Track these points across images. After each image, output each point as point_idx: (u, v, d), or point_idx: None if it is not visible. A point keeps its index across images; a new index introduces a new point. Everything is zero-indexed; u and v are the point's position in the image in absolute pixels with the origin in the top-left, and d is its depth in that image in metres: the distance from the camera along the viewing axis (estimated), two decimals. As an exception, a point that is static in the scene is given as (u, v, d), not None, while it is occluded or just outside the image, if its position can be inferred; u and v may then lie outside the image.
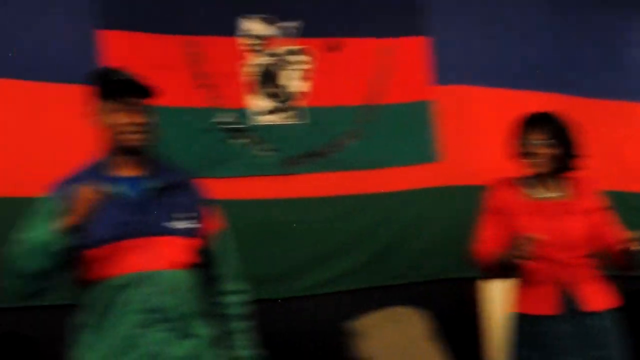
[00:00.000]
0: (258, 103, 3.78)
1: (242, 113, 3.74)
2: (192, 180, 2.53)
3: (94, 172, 2.40)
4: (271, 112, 3.80)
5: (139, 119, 2.37)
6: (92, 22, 3.49)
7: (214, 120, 3.70)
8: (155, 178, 2.42)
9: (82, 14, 3.48)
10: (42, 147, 3.36)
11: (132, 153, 2.39)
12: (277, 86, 3.82)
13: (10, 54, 3.31)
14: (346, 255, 3.82)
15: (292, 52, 3.86)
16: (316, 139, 3.82)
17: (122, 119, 2.35)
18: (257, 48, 3.80)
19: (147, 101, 2.40)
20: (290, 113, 3.82)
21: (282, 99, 3.82)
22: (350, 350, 3.59)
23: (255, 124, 3.76)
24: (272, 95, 3.81)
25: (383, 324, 3.60)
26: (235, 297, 2.51)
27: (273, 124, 3.78)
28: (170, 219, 2.39)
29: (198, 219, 2.45)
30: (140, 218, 2.35)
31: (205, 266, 2.48)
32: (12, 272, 2.28)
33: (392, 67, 3.96)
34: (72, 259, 2.33)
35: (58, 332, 3.21)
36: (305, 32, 3.87)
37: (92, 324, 2.34)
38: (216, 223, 2.53)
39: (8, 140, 3.35)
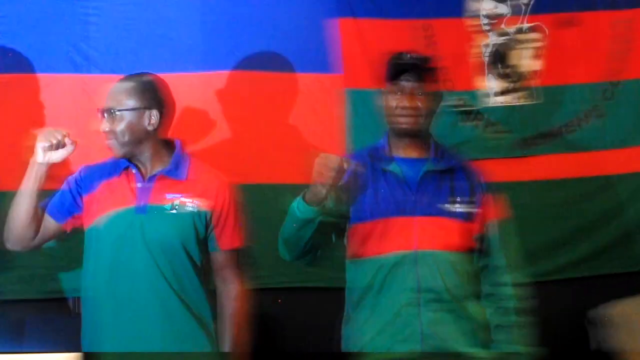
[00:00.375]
0: (489, 84, 3.71)
1: (473, 95, 3.69)
2: (472, 165, 2.53)
3: (374, 151, 2.48)
4: (502, 93, 3.71)
5: (414, 102, 2.41)
6: (328, 12, 3.57)
7: (445, 103, 3.67)
8: (434, 161, 2.46)
9: (318, 4, 3.58)
10: (290, 135, 3.50)
11: (407, 136, 2.45)
12: (508, 66, 3.72)
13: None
14: (584, 240, 3.65)
15: (522, 31, 3.74)
16: (550, 119, 3.68)
17: (397, 102, 2.41)
18: (487, 28, 3.73)
19: (430, 85, 2.43)
20: (522, 93, 3.71)
21: (514, 79, 3.72)
22: (597, 340, 3.44)
23: (487, 105, 3.69)
24: (503, 76, 3.72)
25: (637, 313, 3.42)
26: (512, 289, 2.46)
27: (505, 105, 3.69)
28: (447, 202, 2.42)
29: (477, 204, 2.45)
30: (416, 198, 2.41)
31: (483, 254, 2.47)
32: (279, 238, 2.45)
33: (631, 40, 3.73)
34: (344, 233, 2.42)
35: (302, 313, 3.40)
36: (536, 9, 3.73)
37: (367, 301, 2.42)
38: (498, 211, 2.50)
39: (261, 130, 3.50)
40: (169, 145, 2.61)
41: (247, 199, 2.76)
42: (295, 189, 3.35)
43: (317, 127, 3.54)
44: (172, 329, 2.46)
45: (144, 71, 2.70)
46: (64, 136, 2.49)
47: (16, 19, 3.42)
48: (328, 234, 2.42)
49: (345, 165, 2.25)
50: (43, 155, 2.47)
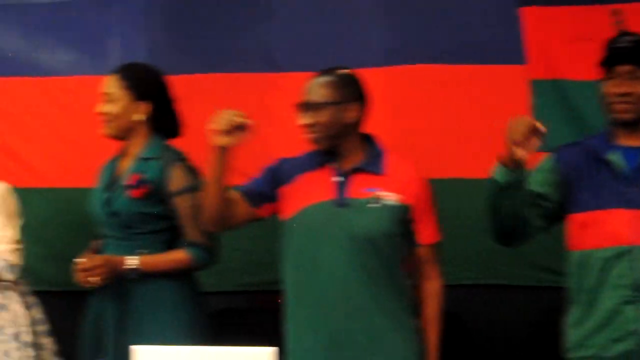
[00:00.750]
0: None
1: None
2: None
3: (594, 140, 2.42)
4: None
5: (627, 88, 2.30)
6: (512, 1, 3.44)
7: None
8: None
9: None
10: (477, 128, 3.40)
11: (627, 123, 2.34)
12: None
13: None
14: None
15: None
16: None
17: (611, 88, 2.32)
18: (690, 10, 3.48)
19: None
20: None
21: None
22: None
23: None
24: None
25: None
26: None
27: None
28: None
29: None
30: (636, 189, 2.29)
31: None
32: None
33: None
34: (556, 221, 2.39)
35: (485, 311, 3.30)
36: None
37: (581, 296, 2.34)
38: None
39: (447, 123, 3.44)
40: (365, 139, 2.59)
41: (434, 193, 2.70)
42: (479, 184, 3.31)
43: (503, 120, 3.41)
44: (374, 325, 2.43)
45: (335, 66, 2.67)
46: (239, 118, 2.42)
47: (198, 19, 3.52)
48: (527, 210, 2.35)
49: (538, 128, 2.25)
50: (220, 138, 2.42)
